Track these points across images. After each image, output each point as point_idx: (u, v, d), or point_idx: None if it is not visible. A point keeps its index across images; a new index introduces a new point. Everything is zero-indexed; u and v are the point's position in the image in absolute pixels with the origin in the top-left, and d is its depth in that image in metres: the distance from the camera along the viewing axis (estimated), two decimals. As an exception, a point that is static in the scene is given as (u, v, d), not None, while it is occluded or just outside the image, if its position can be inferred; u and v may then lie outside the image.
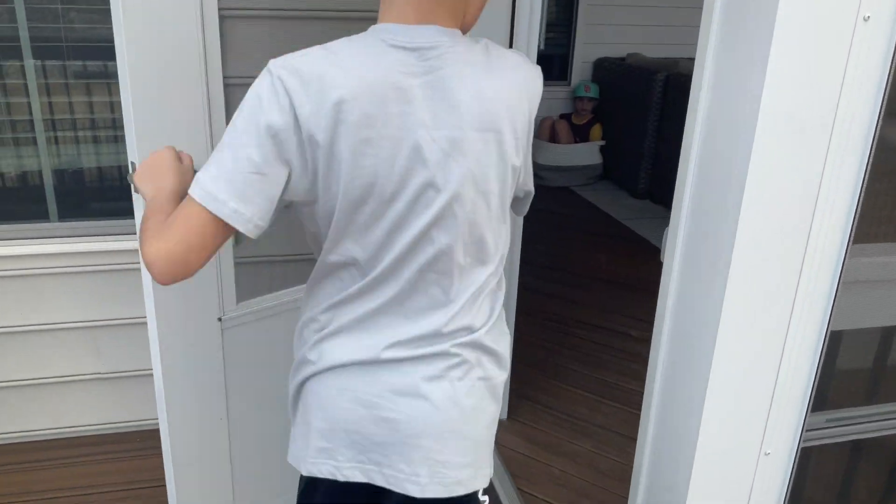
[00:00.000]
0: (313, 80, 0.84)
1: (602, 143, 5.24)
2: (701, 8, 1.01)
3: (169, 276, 0.87)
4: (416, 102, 0.87)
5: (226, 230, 0.87)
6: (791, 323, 1.04)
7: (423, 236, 0.92)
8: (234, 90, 1.41)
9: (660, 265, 1.17)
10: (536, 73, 0.97)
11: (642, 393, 1.24)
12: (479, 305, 1.01)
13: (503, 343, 1.07)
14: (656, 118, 4.72)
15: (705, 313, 1.04)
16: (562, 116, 5.31)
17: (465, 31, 0.95)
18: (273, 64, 0.86)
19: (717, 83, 1.00)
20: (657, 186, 4.77)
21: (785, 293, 1.02)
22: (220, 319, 1.52)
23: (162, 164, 1.00)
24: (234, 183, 0.85)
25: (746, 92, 0.93)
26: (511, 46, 1.93)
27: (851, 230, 1.00)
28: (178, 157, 1.03)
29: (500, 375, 1.06)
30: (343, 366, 1.00)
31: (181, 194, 0.93)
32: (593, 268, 3.76)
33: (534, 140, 1.05)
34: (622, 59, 5.32)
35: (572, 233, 4.28)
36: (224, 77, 1.41)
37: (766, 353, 1.05)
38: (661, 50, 5.47)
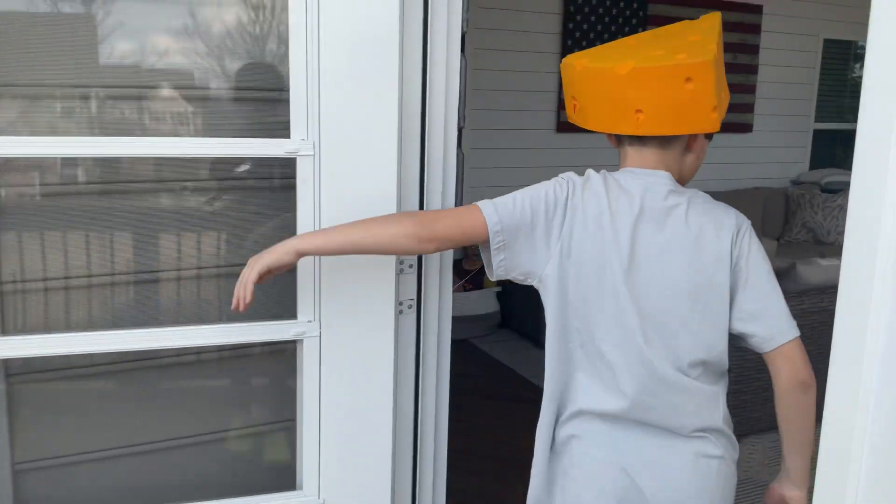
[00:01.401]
0: None
1: (498, 289, 4.90)
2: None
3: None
4: None
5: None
6: None
7: None
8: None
9: None
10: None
11: None
12: None
13: None
14: (554, 262, 4.46)
15: None
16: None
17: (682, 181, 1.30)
18: None
19: None
20: (562, 334, 4.44)
21: None
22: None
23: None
24: None
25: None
26: (424, 136, 1.49)
27: None
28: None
29: None
30: None
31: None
32: (510, 449, 3.23)
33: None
34: (510, 200, 5.14)
35: (480, 399, 3.77)
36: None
37: None
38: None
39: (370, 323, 1.43)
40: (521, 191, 1.26)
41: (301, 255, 1.26)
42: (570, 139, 5.46)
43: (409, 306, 1.54)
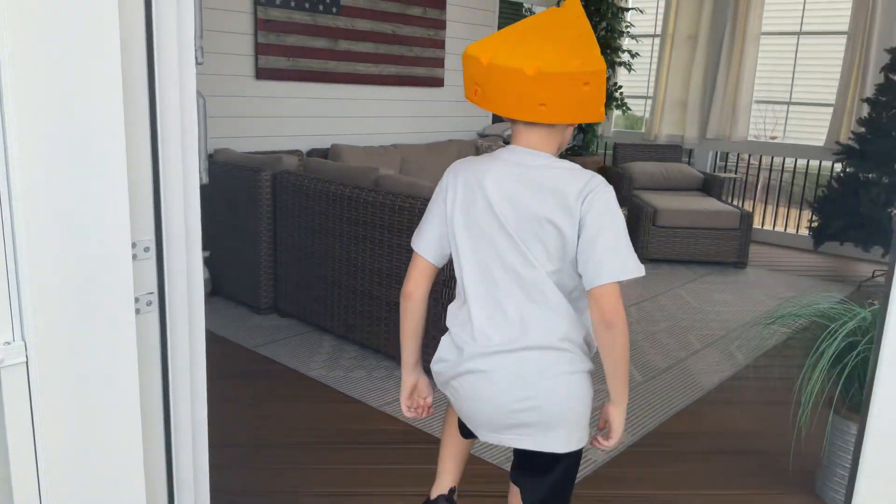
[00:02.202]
0: None
1: (206, 253, 4.38)
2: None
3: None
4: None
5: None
6: None
7: None
8: None
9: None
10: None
11: None
12: None
13: None
14: (269, 222, 4.10)
15: None
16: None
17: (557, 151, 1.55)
18: None
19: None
20: (283, 298, 4.14)
21: None
22: None
23: None
24: None
25: None
26: (153, 69, 1.14)
27: None
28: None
29: None
30: None
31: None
32: (250, 432, 2.90)
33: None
34: (209, 155, 4.58)
35: (208, 381, 3.32)
36: None
37: None
38: (253, 144, 4.92)
39: (100, 334, 1.02)
40: (427, 213, 1.58)
41: (414, 365, 1.64)
42: (270, 87, 5.05)
43: (149, 303, 1.16)
